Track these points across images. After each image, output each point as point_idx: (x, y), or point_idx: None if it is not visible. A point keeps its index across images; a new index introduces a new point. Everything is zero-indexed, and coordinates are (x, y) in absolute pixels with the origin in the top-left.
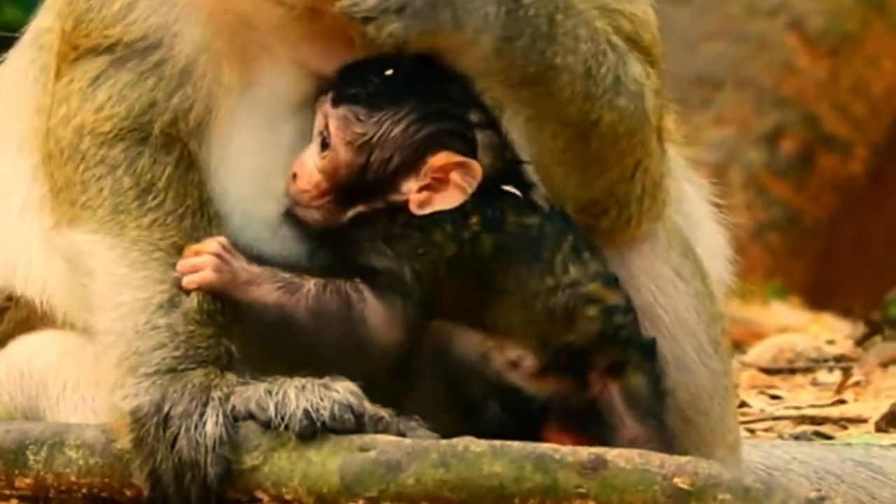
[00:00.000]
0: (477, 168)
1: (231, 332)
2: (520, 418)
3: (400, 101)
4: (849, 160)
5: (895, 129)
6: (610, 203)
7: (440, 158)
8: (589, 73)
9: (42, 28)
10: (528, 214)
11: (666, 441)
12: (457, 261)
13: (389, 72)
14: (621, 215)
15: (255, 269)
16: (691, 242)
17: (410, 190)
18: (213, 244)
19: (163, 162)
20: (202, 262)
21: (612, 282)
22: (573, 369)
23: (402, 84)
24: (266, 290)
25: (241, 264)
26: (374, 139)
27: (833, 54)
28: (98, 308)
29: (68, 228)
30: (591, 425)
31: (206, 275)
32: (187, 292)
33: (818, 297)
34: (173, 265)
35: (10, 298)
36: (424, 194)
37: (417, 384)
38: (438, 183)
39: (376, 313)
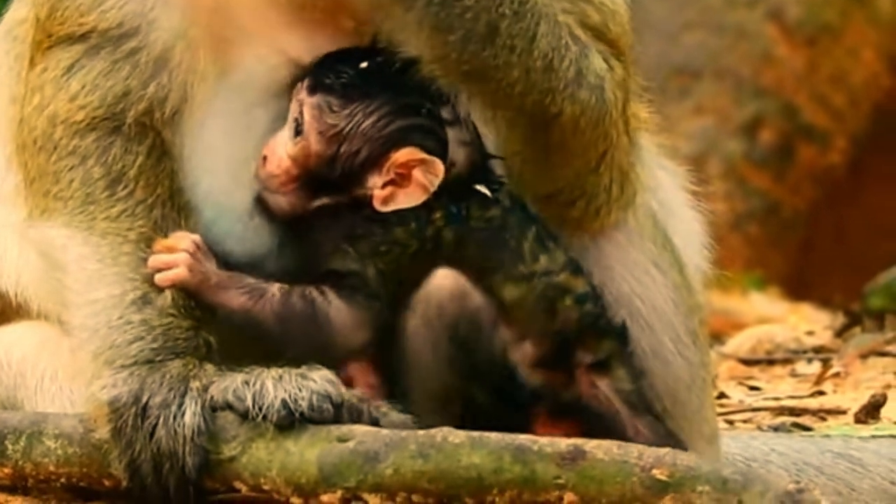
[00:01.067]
0: (440, 166)
1: (209, 324)
2: (510, 405)
3: (372, 93)
4: (828, 151)
5: (874, 120)
6: (577, 194)
7: (403, 154)
8: (550, 67)
9: (17, 19)
10: (491, 208)
11: (666, 432)
12: (420, 256)
13: (364, 64)
14: (589, 206)
15: (223, 273)
16: (668, 232)
17: (375, 185)
18: (186, 241)
19: (134, 151)
20: (176, 259)
21: (578, 270)
22: (558, 362)
23: (377, 77)
24: (233, 294)
25: (211, 266)
26: (345, 131)
27: (812, 45)
28: (72, 304)
29: (41, 221)
30: (590, 425)
31: (180, 273)
32: (160, 288)
33: (797, 288)
34: (144, 259)
35: None
36: (388, 190)
37: (410, 349)
38: (402, 179)
39: (341, 315)
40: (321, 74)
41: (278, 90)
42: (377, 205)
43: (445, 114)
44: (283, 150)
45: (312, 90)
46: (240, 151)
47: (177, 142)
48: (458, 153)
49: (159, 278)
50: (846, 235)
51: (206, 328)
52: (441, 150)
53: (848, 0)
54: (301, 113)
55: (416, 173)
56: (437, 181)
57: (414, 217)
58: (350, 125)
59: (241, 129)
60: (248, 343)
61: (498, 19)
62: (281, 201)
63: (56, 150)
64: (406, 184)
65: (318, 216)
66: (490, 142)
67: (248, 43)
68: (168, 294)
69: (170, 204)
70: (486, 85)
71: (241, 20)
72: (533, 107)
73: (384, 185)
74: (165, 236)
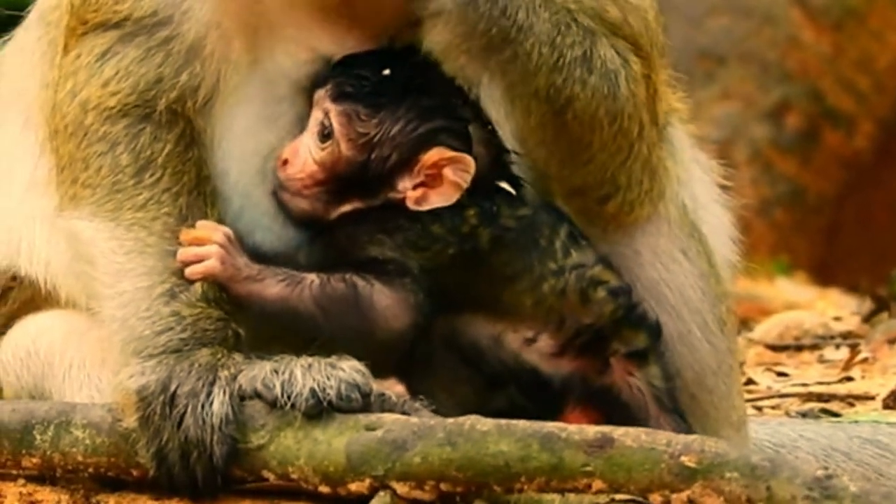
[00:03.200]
0: (470, 162)
1: (237, 316)
2: (538, 399)
3: (397, 99)
4: (854, 135)
5: None
6: (608, 189)
7: (433, 155)
8: (554, 42)
9: (49, 5)
10: (521, 207)
11: (689, 432)
12: (458, 255)
13: (387, 71)
14: (624, 200)
15: (255, 265)
16: (697, 223)
17: (406, 188)
18: (218, 234)
19: (163, 139)
20: (207, 251)
21: (610, 265)
22: (592, 351)
23: (399, 82)
24: (268, 284)
25: (242, 259)
26: (376, 138)
27: (837, 29)
28: (100, 295)
29: (70, 209)
30: (613, 413)
31: (212, 265)
32: (188, 281)
33: (824, 273)
34: (170, 250)
35: (14, 278)
36: (420, 191)
37: (432, 370)
38: (433, 179)
39: (385, 297)
40: (343, 82)
41: (307, 84)
42: (410, 204)
43: (466, 112)
44: (307, 153)
45: (337, 98)
46: (267, 142)
47: (207, 130)
48: (479, 150)
49: (190, 271)
50: (872, 220)
51: (234, 319)
52: (468, 147)
53: None
54: (328, 119)
55: (447, 172)
56: (468, 177)
57: (448, 215)
58: (380, 132)
59: (269, 121)
60: (279, 334)
61: None
62: (302, 203)
63: (86, 137)
64: (437, 184)
65: (346, 218)
66: (509, 138)
67: (279, 36)
68: (197, 286)
69: (196, 192)
70: (506, 54)
71: (272, 14)
72: (545, 85)
73: (415, 187)
74: (191, 224)
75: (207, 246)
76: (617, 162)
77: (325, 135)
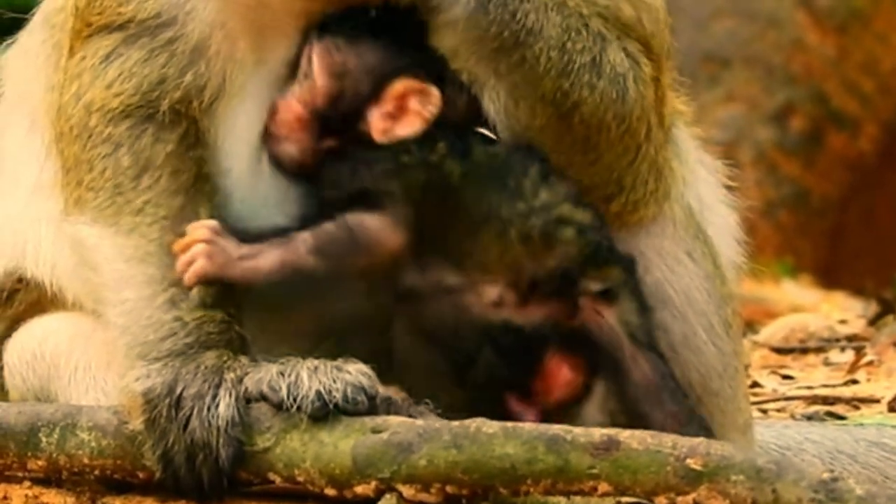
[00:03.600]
0: (435, 94)
1: (241, 319)
2: (515, 358)
3: (376, 36)
4: (858, 137)
5: None
6: (614, 189)
7: (400, 85)
8: (563, 47)
9: (54, 8)
10: (492, 144)
11: (667, 373)
12: (428, 186)
13: (373, 13)
14: (628, 200)
15: (245, 246)
16: (703, 224)
17: (374, 118)
18: (200, 230)
19: (165, 139)
20: (194, 252)
21: (580, 201)
22: (559, 294)
23: (382, 23)
24: (263, 256)
25: (231, 243)
26: (349, 66)
27: (842, 32)
28: (104, 301)
29: (74, 213)
30: (592, 356)
31: (201, 264)
32: (189, 287)
33: (829, 275)
34: (168, 256)
35: (20, 280)
36: (387, 122)
37: (407, 359)
38: (399, 111)
39: (375, 220)
40: (329, 22)
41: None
42: (376, 135)
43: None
44: (291, 97)
45: (320, 35)
46: None
47: (211, 130)
48: (459, 98)
49: (186, 279)
50: (877, 222)
51: (239, 323)
52: (438, 83)
53: None
54: (309, 58)
55: (412, 102)
56: (433, 110)
57: (417, 145)
58: (354, 62)
59: None
60: (281, 333)
61: None
62: (291, 149)
63: (91, 139)
64: (403, 115)
65: (328, 160)
66: (514, 136)
67: (283, 33)
68: (197, 291)
69: (193, 190)
70: (514, 57)
71: (276, 13)
72: (551, 89)
73: (382, 117)
74: (188, 224)
75: (193, 248)
76: (624, 163)
77: (306, 74)
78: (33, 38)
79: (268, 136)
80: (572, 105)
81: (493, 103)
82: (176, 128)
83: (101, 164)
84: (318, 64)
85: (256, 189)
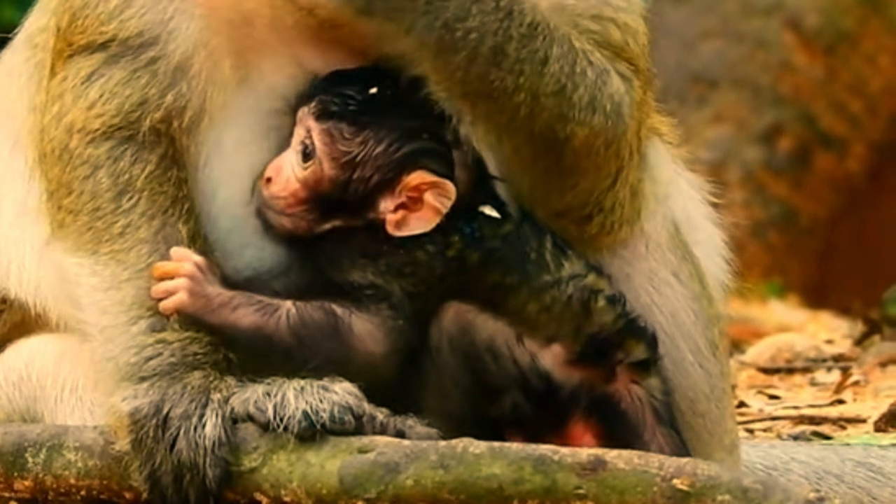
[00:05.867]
0: (451, 188)
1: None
2: (543, 407)
3: (381, 119)
4: (846, 158)
5: (893, 127)
6: (592, 210)
7: (415, 178)
8: (563, 92)
9: (37, 27)
10: (503, 225)
11: (682, 446)
12: (447, 275)
13: (374, 90)
14: (605, 221)
15: (229, 292)
16: (689, 244)
17: (387, 208)
18: (186, 265)
19: (144, 160)
20: (176, 285)
21: (601, 272)
22: (602, 360)
23: (384, 101)
24: (242, 313)
25: (214, 288)
26: (358, 157)
27: (830, 52)
28: (87, 334)
29: (56, 240)
30: (612, 423)
31: (181, 299)
32: (167, 316)
33: (816, 296)
34: (145, 282)
35: (4, 301)
36: (400, 213)
37: (433, 366)
38: (413, 202)
39: (364, 325)
40: (327, 100)
41: (292, 101)
42: (390, 229)
43: (449, 135)
44: (290, 172)
45: (320, 116)
46: (256, 162)
47: (193, 150)
48: (461, 173)
49: (163, 307)
50: (865, 243)
51: (224, 345)
52: (450, 172)
53: (866, 8)
54: (310, 138)
55: (428, 196)
56: (448, 203)
57: (431, 241)
58: (363, 151)
59: (257, 140)
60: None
61: (504, 42)
62: (285, 222)
63: (71, 161)
64: (418, 207)
65: (328, 237)
66: (492, 163)
67: (266, 54)
68: (173, 318)
69: (171, 211)
70: (492, 106)
71: (259, 32)
72: (542, 131)
73: (396, 209)
74: (165, 247)
75: (176, 280)
76: (606, 185)
77: (307, 154)
78: (16, 57)
79: (260, 203)
80: (564, 139)
81: (478, 138)
82: (156, 148)
83: (80, 187)
84: (323, 150)
85: (243, 213)
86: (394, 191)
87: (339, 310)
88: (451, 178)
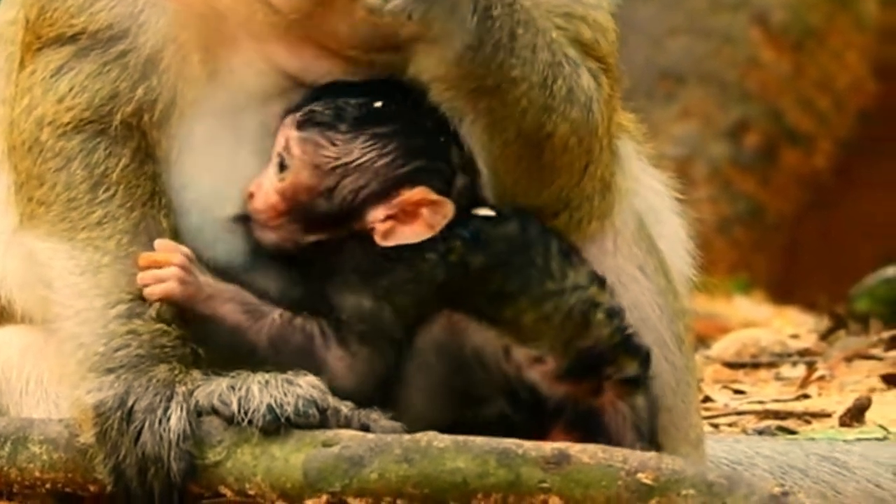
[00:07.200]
0: (450, 209)
1: (195, 334)
2: (528, 417)
3: (387, 130)
4: (813, 154)
5: (859, 124)
6: (560, 207)
7: (417, 193)
8: (545, 83)
9: (5, 20)
10: (504, 224)
11: None
12: (448, 285)
13: (379, 104)
14: (572, 217)
15: (221, 285)
16: (654, 238)
17: (376, 219)
18: (177, 256)
19: (118, 153)
20: (166, 273)
21: (603, 283)
22: (591, 374)
23: (388, 114)
24: (229, 309)
25: (205, 278)
26: (352, 165)
27: (797, 48)
28: (57, 316)
29: (28, 227)
30: (594, 438)
31: (171, 286)
32: (145, 300)
33: (782, 292)
34: (124, 270)
35: None
36: (389, 224)
37: (419, 372)
38: (406, 216)
39: (338, 363)
40: (315, 110)
41: (265, 96)
42: (378, 238)
43: (449, 149)
44: (269, 185)
45: (302, 125)
46: (226, 156)
47: (164, 144)
48: (459, 179)
49: (149, 292)
50: (831, 239)
51: (192, 338)
52: (449, 191)
53: (832, 4)
54: (287, 148)
55: (425, 212)
56: (443, 223)
57: (431, 248)
58: (357, 159)
59: (228, 134)
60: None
61: (515, 27)
62: (271, 236)
63: (42, 153)
64: (410, 221)
65: (319, 249)
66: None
67: (237, 48)
68: (155, 305)
69: (149, 205)
70: (495, 100)
71: (229, 26)
72: (530, 125)
73: (386, 219)
74: (145, 240)
75: (166, 268)
76: (574, 182)
77: (283, 165)
78: None
79: (247, 218)
80: (546, 135)
81: (469, 136)
82: (129, 142)
83: (52, 179)
84: (300, 158)
85: (214, 208)
86: (389, 202)
87: (318, 339)
88: (451, 196)
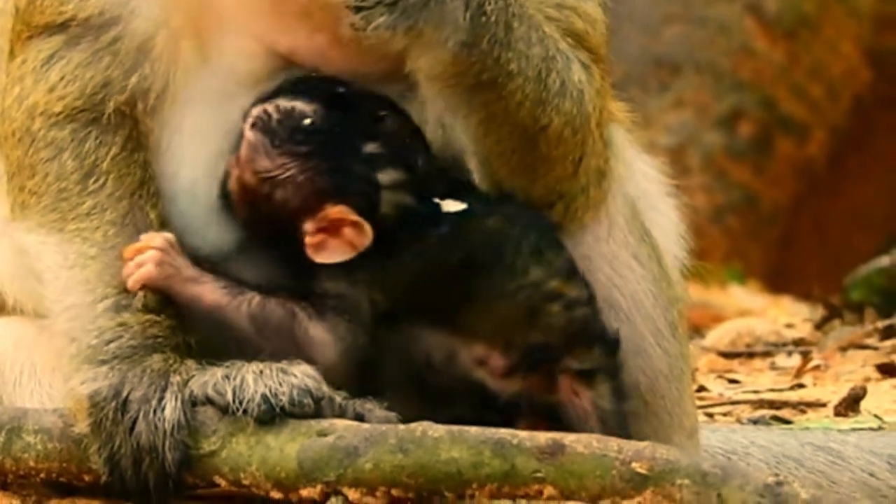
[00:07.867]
0: (369, 232)
1: (185, 324)
2: (488, 415)
3: (315, 147)
4: (807, 143)
5: (853, 113)
6: (555, 198)
7: (337, 212)
8: (539, 76)
9: None
10: (481, 220)
11: None
12: (419, 284)
13: (307, 121)
14: (568, 208)
15: (198, 269)
16: (647, 224)
17: (308, 230)
18: (157, 239)
19: (109, 143)
20: (145, 257)
21: (573, 274)
22: (541, 369)
23: (325, 128)
24: (207, 289)
25: (184, 261)
26: (278, 177)
27: (791, 37)
28: (49, 311)
29: (19, 218)
30: (559, 428)
31: (148, 269)
32: (133, 294)
33: (777, 281)
34: (113, 262)
35: None
36: (320, 237)
37: (388, 371)
38: (334, 230)
39: (320, 336)
40: (269, 112)
41: (256, 80)
42: (309, 252)
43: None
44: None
45: (254, 125)
46: (218, 141)
47: (156, 131)
48: (388, 207)
49: (130, 282)
50: (826, 228)
51: (184, 330)
52: (371, 213)
53: None
54: (240, 143)
55: (347, 231)
56: (365, 243)
57: (404, 246)
58: (283, 174)
59: (220, 119)
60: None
61: (511, 20)
62: (244, 214)
63: (34, 143)
64: (337, 236)
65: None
66: (474, 160)
67: (229, 32)
68: (141, 297)
69: (138, 194)
70: (491, 94)
71: (221, 9)
72: (525, 119)
73: (317, 232)
74: (133, 230)
75: (146, 253)
76: (568, 173)
77: (237, 157)
78: None
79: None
80: (540, 128)
81: (465, 131)
82: (120, 130)
83: (43, 169)
84: (245, 159)
85: (204, 194)
86: (315, 216)
87: (299, 313)
88: (372, 219)
